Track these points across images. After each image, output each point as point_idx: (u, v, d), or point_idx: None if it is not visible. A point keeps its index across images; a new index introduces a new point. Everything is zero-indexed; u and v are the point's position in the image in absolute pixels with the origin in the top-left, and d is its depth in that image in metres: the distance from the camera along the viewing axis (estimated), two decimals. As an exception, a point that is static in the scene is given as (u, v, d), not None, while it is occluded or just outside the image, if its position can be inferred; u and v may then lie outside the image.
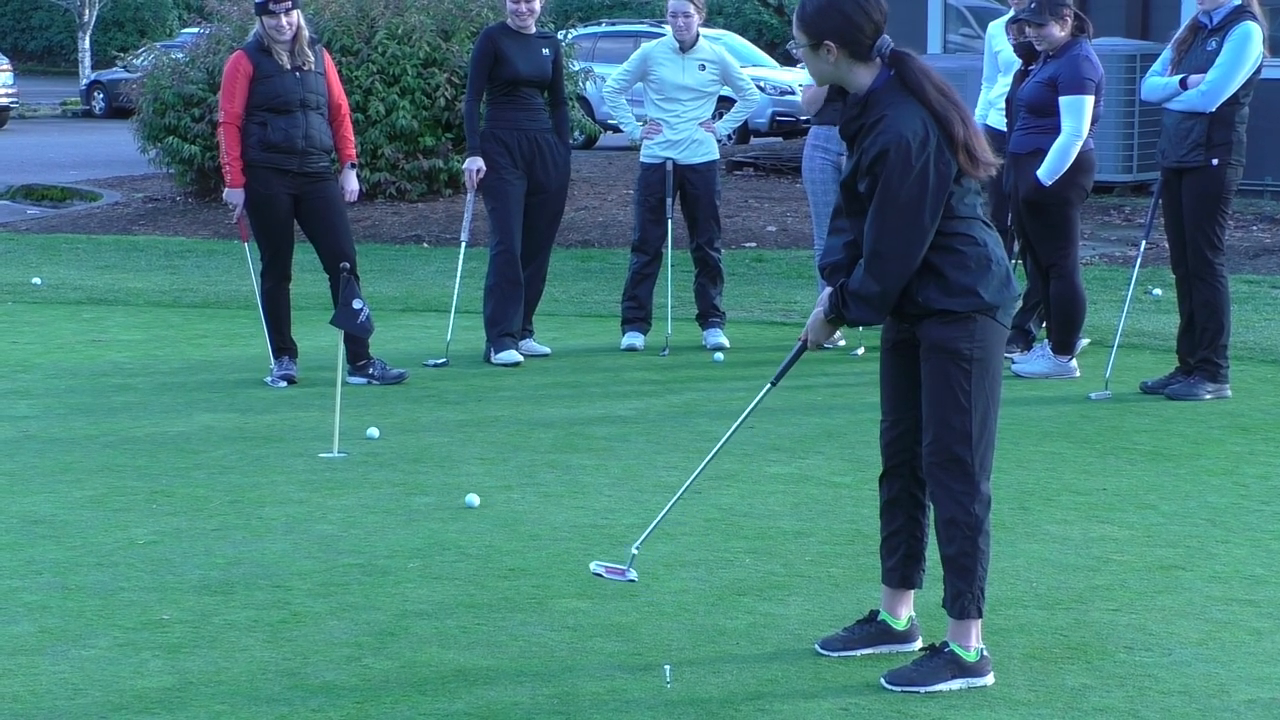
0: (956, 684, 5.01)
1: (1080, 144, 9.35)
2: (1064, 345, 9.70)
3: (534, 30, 10.23)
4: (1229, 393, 9.20)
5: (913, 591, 5.33)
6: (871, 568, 5.63)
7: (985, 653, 5.08)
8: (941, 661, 5.04)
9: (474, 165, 10.13)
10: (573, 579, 6.00)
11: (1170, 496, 7.22)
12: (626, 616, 5.63)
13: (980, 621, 5.08)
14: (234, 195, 9.44)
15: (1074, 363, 9.73)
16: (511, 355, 10.17)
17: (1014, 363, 9.89)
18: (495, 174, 10.17)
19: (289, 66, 9.39)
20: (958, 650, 5.04)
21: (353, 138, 9.78)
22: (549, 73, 10.23)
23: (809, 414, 8.83)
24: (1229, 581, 6.07)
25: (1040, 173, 9.40)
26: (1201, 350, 9.18)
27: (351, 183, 9.75)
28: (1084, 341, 9.97)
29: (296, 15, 9.42)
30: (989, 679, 5.05)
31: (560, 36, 20.08)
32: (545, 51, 10.26)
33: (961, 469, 4.98)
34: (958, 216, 4.97)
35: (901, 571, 5.29)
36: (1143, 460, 7.86)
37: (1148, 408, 8.98)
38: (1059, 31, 9.42)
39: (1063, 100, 9.34)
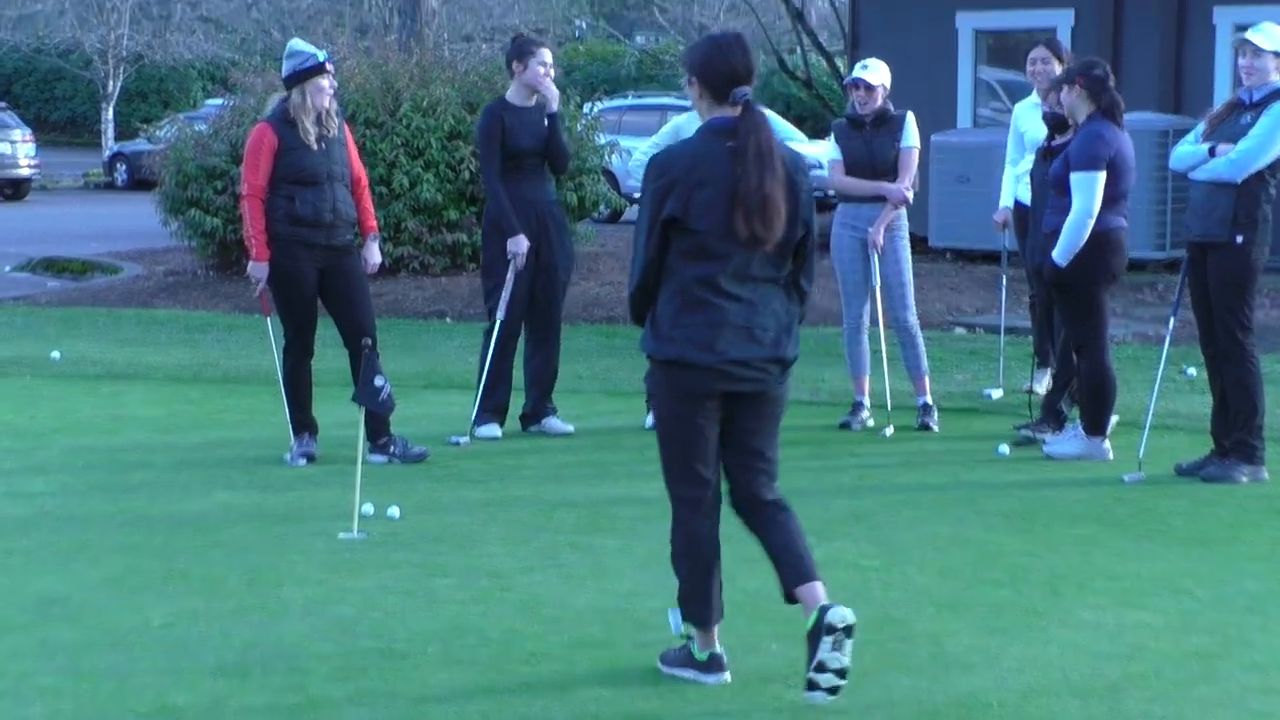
0: (688, 674, 5.81)
1: (1091, 222, 9.30)
2: (1095, 426, 9.65)
3: (533, 101, 10.26)
4: (1266, 475, 9.14)
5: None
6: (900, 654, 5.57)
7: (718, 656, 5.81)
8: (685, 652, 5.86)
9: (523, 244, 10.10)
10: (595, 665, 5.95)
11: (1206, 582, 7.15)
12: (650, 703, 5.58)
13: (711, 632, 5.79)
14: (258, 270, 9.45)
15: (1106, 444, 9.68)
16: (493, 429, 10.23)
17: (1045, 444, 9.85)
18: (499, 250, 10.17)
19: (314, 138, 9.43)
20: (692, 647, 5.84)
21: (373, 209, 9.83)
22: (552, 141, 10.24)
23: (837, 496, 8.78)
24: (1268, 671, 6.00)
25: (1055, 253, 9.38)
26: (1236, 432, 9.12)
27: (374, 255, 9.77)
28: (1114, 419, 9.93)
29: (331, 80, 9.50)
30: (714, 680, 5.76)
31: (586, 110, 20.26)
32: (545, 122, 10.27)
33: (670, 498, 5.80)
34: (690, 266, 5.55)
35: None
36: (1178, 544, 7.80)
37: (1183, 490, 8.92)
38: (1074, 99, 9.40)
39: (1073, 177, 9.33)
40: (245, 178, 9.47)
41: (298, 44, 9.63)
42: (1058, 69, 10.67)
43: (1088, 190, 9.28)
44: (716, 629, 5.83)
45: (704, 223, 5.50)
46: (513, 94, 10.25)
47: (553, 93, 10.17)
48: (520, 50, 10.28)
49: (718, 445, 5.73)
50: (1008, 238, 11.64)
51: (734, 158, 5.49)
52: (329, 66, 9.45)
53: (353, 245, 9.67)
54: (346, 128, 9.79)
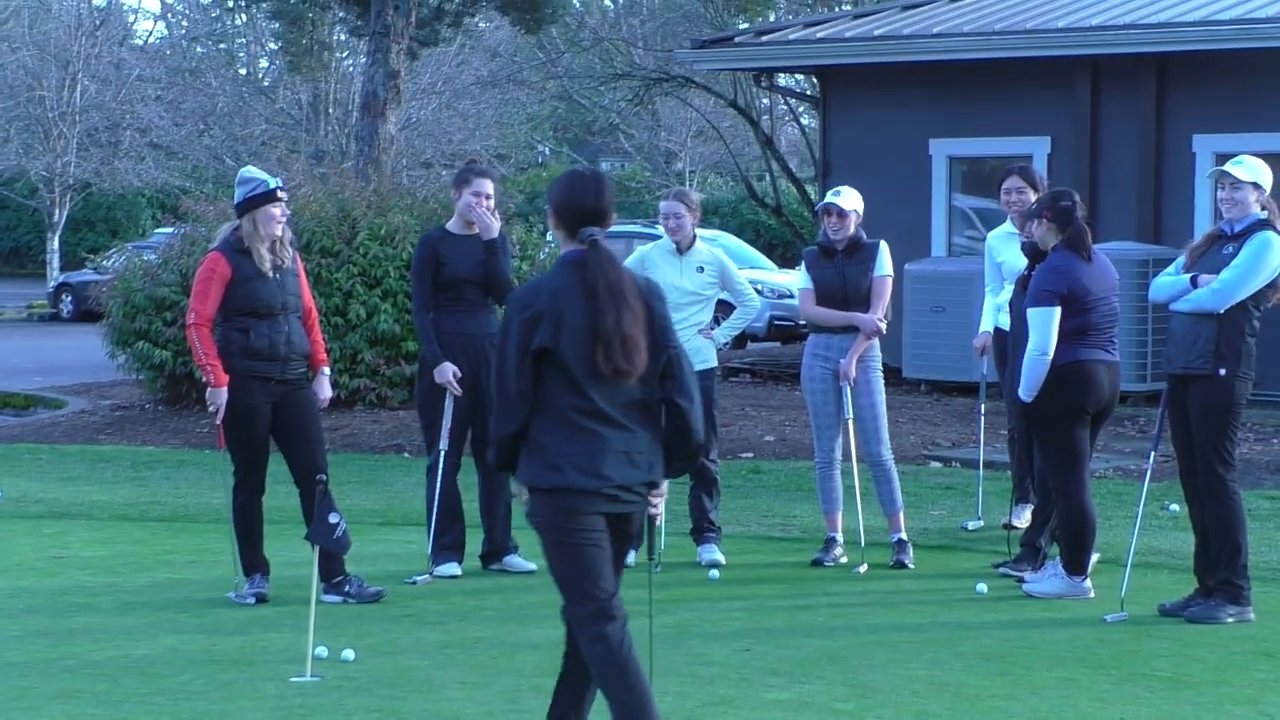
0: None
1: (1046, 358, 9.39)
2: (1075, 565, 9.68)
3: (473, 230, 10.38)
4: (1252, 615, 9.17)
5: None
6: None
7: None
8: None
9: (448, 372, 10.21)
10: (558, 814, 5.92)
11: (1192, 725, 7.17)
12: None
13: None
14: (218, 395, 9.44)
15: (1088, 582, 9.71)
16: (453, 568, 10.26)
17: (1025, 582, 9.88)
18: (432, 382, 10.27)
19: (269, 268, 9.49)
20: None
21: (323, 341, 9.93)
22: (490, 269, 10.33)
23: (809, 635, 8.79)
24: (1255, 817, 6.00)
25: (1019, 390, 9.52)
26: (1220, 571, 9.16)
27: (324, 389, 9.82)
28: (1095, 557, 9.97)
29: (289, 213, 9.60)
30: None
31: (549, 238, 20.38)
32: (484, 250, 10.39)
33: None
34: (567, 395, 5.92)
35: None
36: (1162, 687, 7.82)
37: (1166, 631, 8.95)
38: (1044, 232, 9.57)
39: (1028, 313, 9.48)
40: (193, 306, 9.50)
41: (249, 171, 9.73)
42: (1033, 197, 10.83)
43: (1040, 326, 9.41)
44: None
45: (571, 355, 5.93)
46: (453, 223, 10.44)
47: (486, 223, 10.29)
48: (458, 179, 10.51)
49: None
50: (986, 364, 11.76)
51: (588, 295, 5.93)
52: (281, 194, 9.52)
53: (305, 379, 9.73)
54: (298, 257, 9.87)
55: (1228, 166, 9.18)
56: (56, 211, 44.32)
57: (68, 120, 44.16)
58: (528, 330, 5.92)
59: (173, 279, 18.19)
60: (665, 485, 6.21)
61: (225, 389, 9.43)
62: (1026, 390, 9.45)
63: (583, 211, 6.06)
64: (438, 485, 10.31)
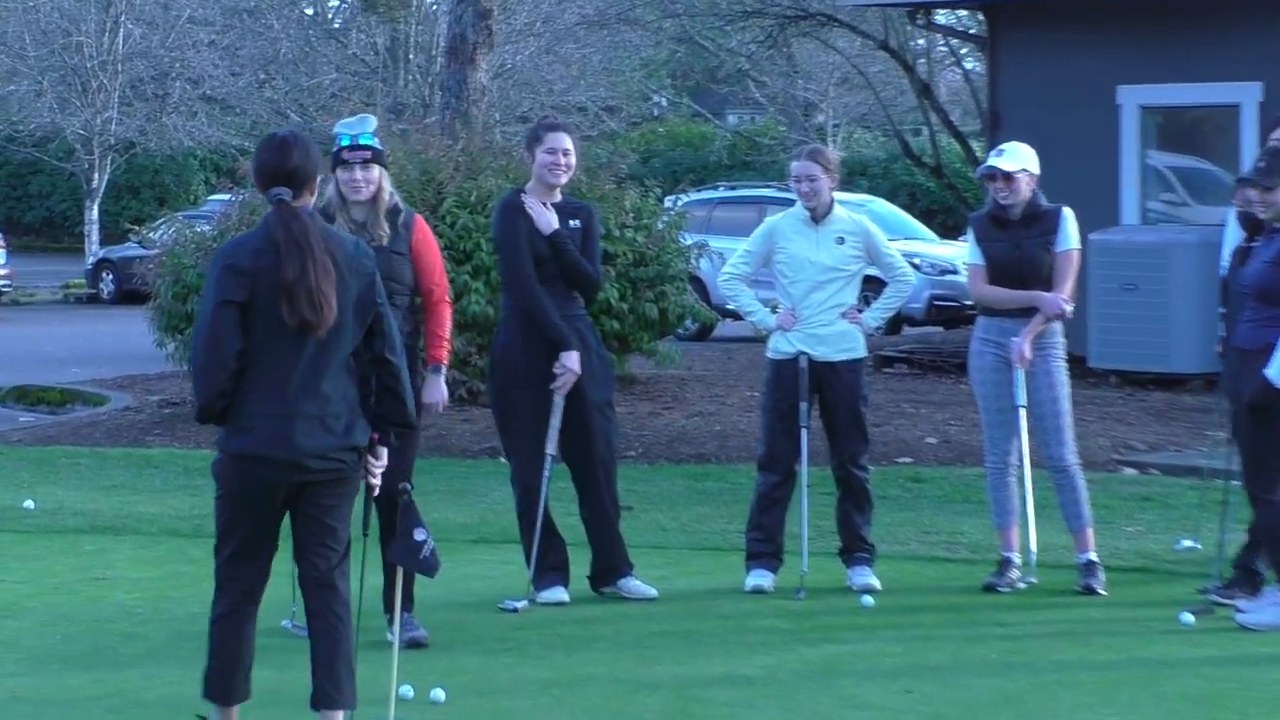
0: None
1: None
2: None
3: (559, 196, 10.35)
4: None
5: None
6: None
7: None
8: None
9: (577, 360, 10.14)
10: None
11: None
12: None
13: (230, 711, 7.30)
14: None
15: (1313, 610, 9.59)
16: (558, 592, 10.27)
17: (1239, 612, 9.75)
18: (511, 382, 10.20)
19: None
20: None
21: (447, 335, 9.61)
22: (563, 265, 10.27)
23: (981, 674, 8.75)
24: None
25: (1269, 370, 9.36)
26: None
27: (435, 391, 9.56)
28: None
29: (377, 173, 9.34)
30: None
31: (668, 204, 20.38)
32: (574, 223, 10.31)
33: None
34: (253, 358, 7.02)
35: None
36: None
37: None
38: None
39: None
40: None
41: (341, 122, 9.60)
42: None
43: None
44: (235, 710, 7.29)
45: (267, 313, 6.99)
46: (531, 188, 10.38)
47: (542, 218, 10.20)
48: (530, 137, 10.46)
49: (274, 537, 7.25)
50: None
51: (274, 250, 7.01)
52: (359, 153, 9.30)
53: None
54: (418, 226, 9.57)
55: None
56: (96, 176, 44.75)
57: (108, 70, 44.45)
58: (226, 282, 7.02)
59: (231, 254, 18.26)
60: (384, 453, 7.31)
61: None
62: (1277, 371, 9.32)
63: (271, 172, 7.15)
64: (541, 495, 10.27)
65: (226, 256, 7.15)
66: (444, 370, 9.63)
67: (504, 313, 10.64)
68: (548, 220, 10.23)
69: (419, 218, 9.66)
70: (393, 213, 9.44)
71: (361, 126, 9.41)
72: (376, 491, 7.48)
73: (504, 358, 10.38)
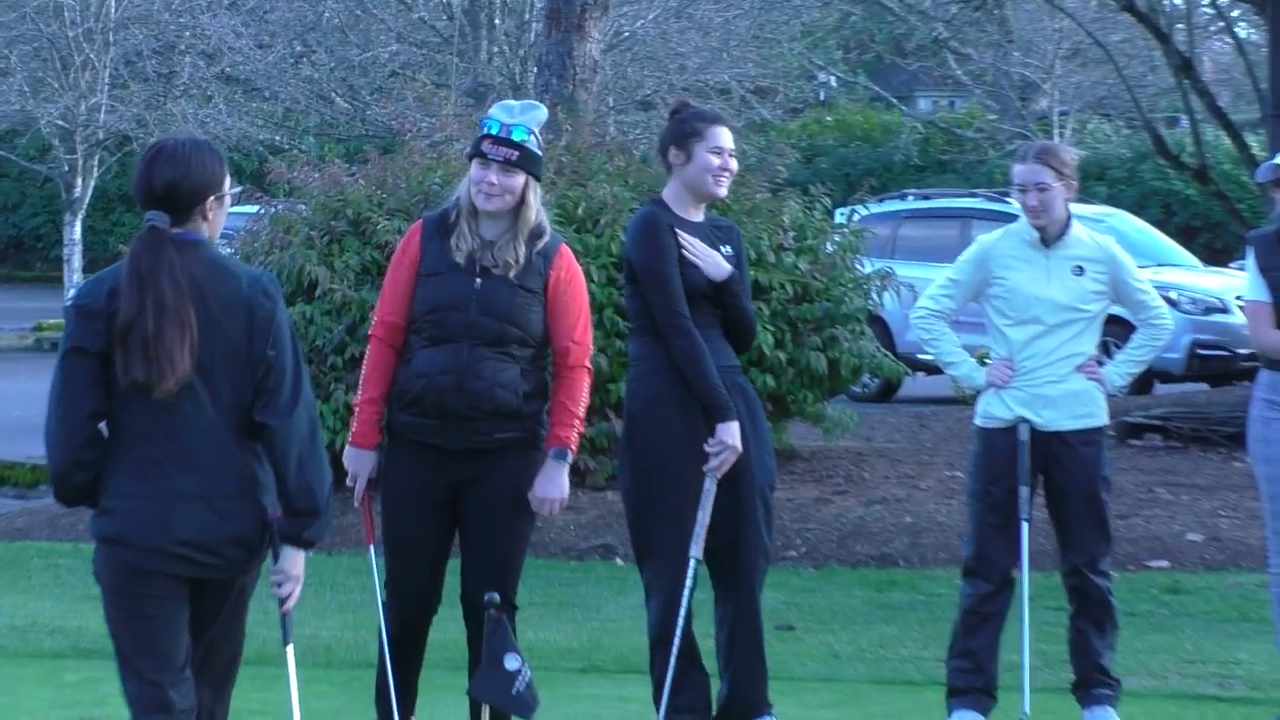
0: None
1: None
2: None
3: (701, 214, 10.21)
4: None
5: None
6: None
7: None
8: None
9: (736, 438, 9.99)
10: None
11: None
12: None
13: None
14: (356, 460, 9.47)
15: None
16: None
17: None
18: (658, 452, 10.06)
19: (463, 257, 9.27)
20: None
21: (580, 410, 9.55)
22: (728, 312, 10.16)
23: None
24: None
25: None
26: None
27: (553, 484, 9.48)
28: None
29: (523, 182, 9.25)
30: None
31: (839, 218, 20.35)
32: (726, 249, 10.09)
33: None
34: (120, 423, 7.33)
35: None
36: None
37: None
38: None
39: None
40: (376, 306, 9.57)
41: (504, 103, 9.56)
42: None
43: None
44: None
45: (120, 363, 7.24)
46: (672, 198, 10.11)
47: (713, 262, 9.99)
48: (680, 131, 10.11)
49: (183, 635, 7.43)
50: None
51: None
52: (504, 150, 9.21)
53: (513, 451, 9.46)
54: (563, 259, 9.47)
55: None
56: (79, 181, 44.80)
57: (96, 42, 44.23)
58: (76, 326, 7.32)
59: (259, 285, 18.36)
60: (289, 555, 7.41)
61: (369, 453, 9.48)
62: None
63: (142, 192, 7.42)
64: (682, 612, 10.19)
65: (79, 296, 7.43)
66: (569, 457, 9.52)
67: (643, 362, 10.27)
68: (719, 266, 10.01)
69: (566, 249, 9.55)
70: (534, 236, 9.39)
71: (524, 116, 9.36)
72: (288, 607, 7.65)
73: (647, 418, 10.19)
